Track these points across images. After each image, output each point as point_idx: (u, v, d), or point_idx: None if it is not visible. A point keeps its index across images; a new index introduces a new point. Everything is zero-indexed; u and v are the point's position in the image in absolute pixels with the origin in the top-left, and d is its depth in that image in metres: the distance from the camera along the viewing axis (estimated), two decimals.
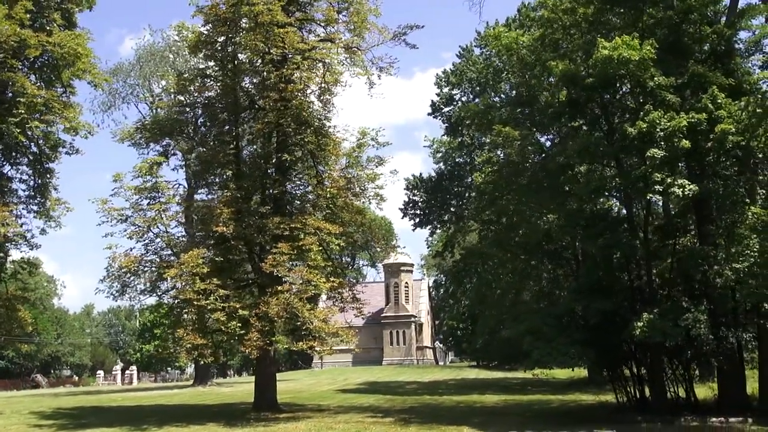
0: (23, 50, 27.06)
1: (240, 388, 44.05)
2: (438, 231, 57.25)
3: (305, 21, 29.07)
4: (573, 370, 47.04)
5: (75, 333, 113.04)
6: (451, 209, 49.64)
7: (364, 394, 38.94)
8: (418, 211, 50.64)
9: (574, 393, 36.65)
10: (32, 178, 31.21)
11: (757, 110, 18.93)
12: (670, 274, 25.13)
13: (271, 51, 25.94)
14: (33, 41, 26.73)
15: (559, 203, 25.07)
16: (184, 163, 29.25)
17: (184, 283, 23.62)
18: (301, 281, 24.84)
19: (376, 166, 30.30)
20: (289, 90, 25.75)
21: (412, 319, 75.78)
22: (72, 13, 31.31)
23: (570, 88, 24.16)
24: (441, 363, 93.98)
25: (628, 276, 25.86)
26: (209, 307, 23.40)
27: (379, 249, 32.34)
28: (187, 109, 29.68)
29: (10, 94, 28.41)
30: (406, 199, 50.66)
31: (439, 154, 49.33)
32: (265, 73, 27.51)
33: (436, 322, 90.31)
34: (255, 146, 30.34)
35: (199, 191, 32.91)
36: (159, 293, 25.86)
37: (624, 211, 27.44)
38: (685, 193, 21.14)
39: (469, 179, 43.15)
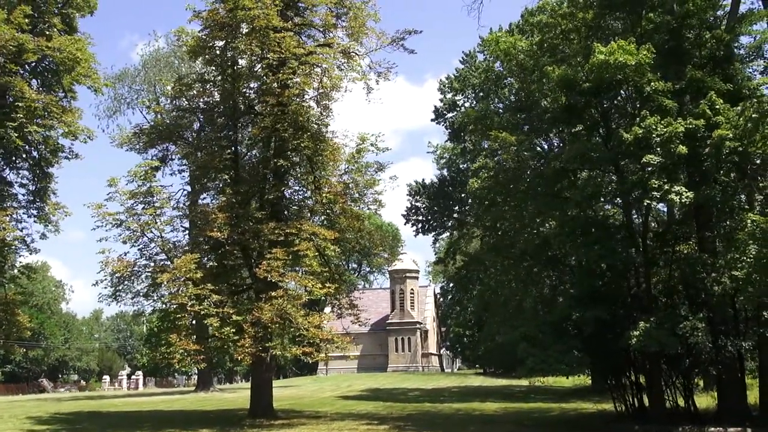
0: (22, 55, 27.13)
1: (242, 394, 43.88)
2: (442, 237, 57.03)
3: (304, 26, 29.00)
4: (579, 377, 46.58)
5: (83, 338, 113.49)
6: (454, 216, 49.40)
7: (365, 401, 38.68)
8: (420, 217, 50.45)
9: (576, 401, 36.29)
10: (32, 182, 31.26)
11: (754, 115, 18.60)
12: (668, 282, 24.80)
13: (268, 56, 25.86)
14: (31, 46, 26.82)
15: (556, 210, 24.78)
16: (187, 167, 29.11)
17: (176, 288, 23.55)
18: (294, 287, 24.69)
19: (376, 172, 30.21)
20: (285, 95, 25.67)
21: (418, 325, 75.46)
22: (72, 18, 31.46)
23: (567, 94, 23.93)
24: (448, 370, 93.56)
25: (626, 283, 25.54)
26: (203, 313, 23.31)
27: (377, 255, 32.06)
28: (186, 114, 29.63)
29: (10, 99, 28.45)
30: (409, 205, 50.53)
31: (443, 160, 49.15)
32: (264, 78, 27.47)
33: (443, 329, 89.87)
34: (253, 151, 30.29)
35: (203, 196, 32.95)
36: (153, 298, 25.76)
37: (624, 219, 27.11)
38: (682, 200, 20.85)
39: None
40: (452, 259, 50.09)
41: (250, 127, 29.03)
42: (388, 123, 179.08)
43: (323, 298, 30.43)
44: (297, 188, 30.39)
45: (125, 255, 25.40)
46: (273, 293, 24.05)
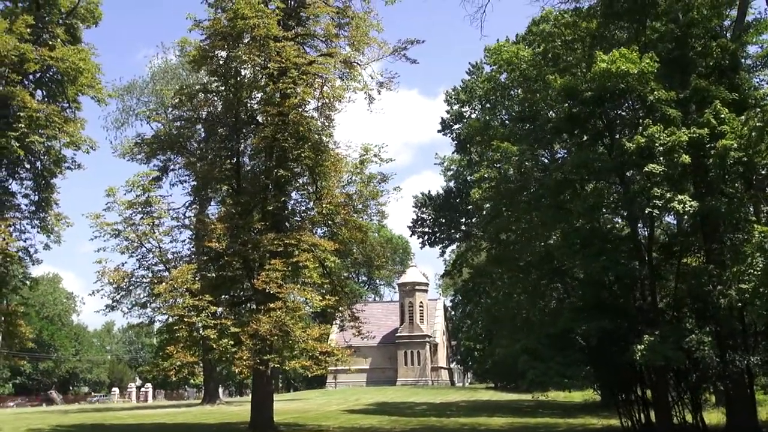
0: (24, 64, 27.17)
1: (248, 407, 43.47)
2: (449, 250, 56.57)
3: (306, 36, 28.87)
4: (589, 391, 45.87)
5: (94, 350, 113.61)
6: (462, 228, 48.99)
7: (371, 415, 38.20)
8: (426, 229, 50.08)
9: (584, 416, 35.65)
10: (35, 192, 31.23)
11: (758, 124, 18.16)
12: (674, 295, 24.30)
13: (269, 65, 25.72)
14: (33, 55, 26.86)
15: (560, 221, 24.37)
16: (189, 177, 28.96)
17: (172, 299, 23.33)
18: (293, 299, 24.37)
19: (379, 183, 29.94)
20: (286, 104, 25.49)
21: (427, 339, 74.84)
22: (77, 29, 31.51)
23: (570, 103, 23.59)
24: (459, 384, 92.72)
25: (631, 296, 25.04)
26: (200, 324, 23.06)
27: (381, 267, 31.69)
28: (188, 124, 29.51)
29: (12, 109, 28.45)
30: (415, 217, 50.16)
31: (450, 172, 48.82)
32: (266, 88, 27.34)
33: (453, 343, 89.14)
34: (256, 161, 30.12)
35: (209, 207, 32.83)
36: (151, 309, 25.51)
37: (630, 230, 26.62)
38: (686, 209, 20.41)
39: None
40: (459, 271, 49.61)
41: (252, 137, 28.86)
42: (400, 136, 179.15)
43: (324, 310, 30.09)
44: (299, 199, 30.11)
45: (123, 265, 25.25)
46: (272, 305, 23.74)
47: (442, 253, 55.80)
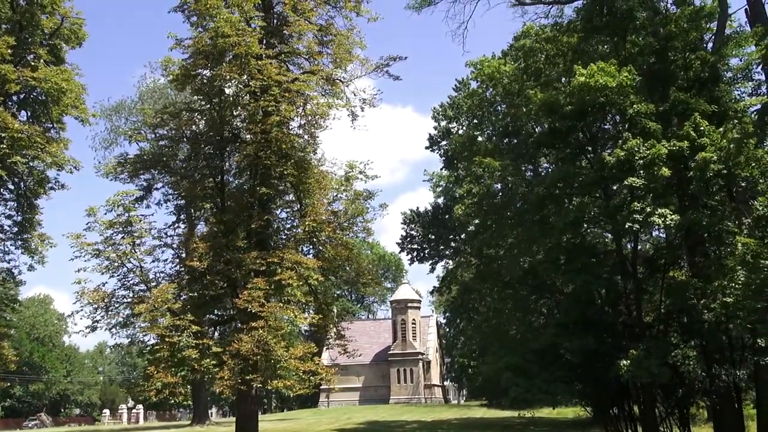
0: (5, 85, 27.05)
1: None
2: (440, 265, 56.26)
3: (289, 54, 28.79)
4: (580, 408, 45.57)
5: (87, 371, 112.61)
6: (451, 244, 48.80)
7: None
8: (415, 246, 49.90)
9: None
10: (18, 213, 31.02)
11: (736, 135, 18.11)
12: (659, 309, 24.15)
13: (251, 83, 25.63)
14: (14, 76, 26.74)
15: (543, 236, 24.26)
16: (172, 196, 28.74)
17: (152, 319, 23.05)
18: (277, 317, 24.07)
19: (365, 200, 29.77)
20: (268, 122, 25.37)
21: (420, 356, 74.32)
22: (60, 49, 31.40)
23: (551, 117, 23.57)
24: (454, 402, 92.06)
25: (615, 311, 24.89)
26: (181, 344, 22.76)
27: (366, 284, 31.34)
28: (172, 143, 29.34)
29: None
30: (404, 234, 49.99)
31: (439, 188, 48.72)
32: (248, 106, 27.24)
33: (447, 360, 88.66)
34: (240, 180, 29.95)
35: (198, 225, 32.55)
36: (132, 329, 25.18)
37: (615, 245, 26.49)
38: (667, 222, 20.34)
39: None
40: (448, 288, 49.34)
41: (237, 155, 28.71)
42: (396, 153, 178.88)
43: (312, 328, 29.81)
44: (284, 217, 29.90)
45: (103, 285, 24.92)
46: (254, 324, 23.46)
47: (432, 270, 55.64)
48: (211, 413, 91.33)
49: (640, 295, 24.21)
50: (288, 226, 30.51)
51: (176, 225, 28.94)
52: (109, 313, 24.45)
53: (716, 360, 22.93)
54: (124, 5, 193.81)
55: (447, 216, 47.84)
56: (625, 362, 20.98)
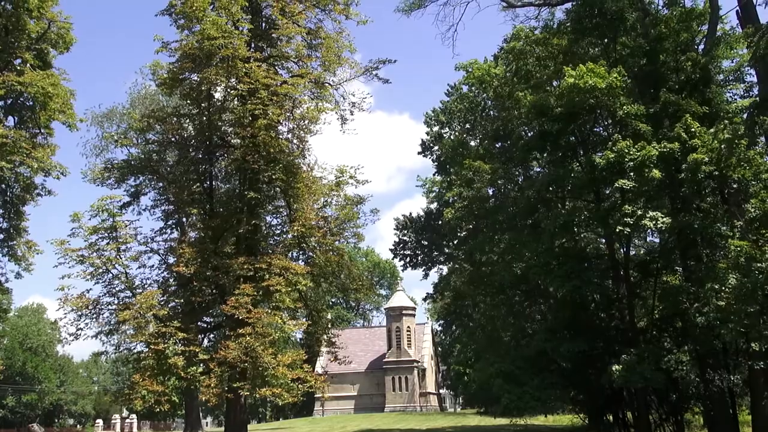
0: None
1: None
2: (434, 271, 55.76)
3: (278, 58, 28.54)
4: (576, 414, 45.15)
5: (80, 381, 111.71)
6: (445, 250, 48.45)
7: None
8: (407, 252, 49.56)
9: None
10: (5, 220, 30.63)
11: (727, 136, 17.83)
12: (652, 313, 23.83)
13: (238, 86, 25.36)
14: None
15: (533, 240, 23.94)
16: (160, 201, 28.41)
17: (138, 326, 22.70)
18: (265, 323, 23.68)
19: (356, 205, 29.45)
20: (255, 126, 25.08)
21: (415, 364, 73.81)
22: (47, 54, 31.08)
23: (541, 120, 23.30)
24: (450, 410, 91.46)
25: (607, 315, 24.57)
26: (167, 351, 22.40)
27: (357, 291, 30.93)
28: (160, 148, 29.05)
29: None
30: (397, 239, 49.66)
31: (432, 194, 48.41)
32: (235, 110, 26.96)
33: (443, 368, 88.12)
34: (228, 185, 29.66)
35: (190, 232, 32.20)
36: (117, 336, 24.79)
37: (610, 248, 26.16)
38: (658, 225, 20.04)
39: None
40: (441, 295, 48.96)
41: (225, 160, 28.44)
42: (393, 160, 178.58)
43: (305, 336, 29.41)
44: (274, 222, 29.60)
45: (88, 292, 24.56)
46: (241, 330, 23.09)
47: (426, 276, 55.23)
48: (207, 422, 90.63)
49: (633, 300, 23.87)
50: (278, 231, 30.26)
51: (164, 231, 28.66)
52: (94, 320, 24.12)
53: (710, 365, 22.63)
54: (124, 12, 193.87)
55: (439, 222, 47.47)
56: (617, 367, 20.66)
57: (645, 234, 25.36)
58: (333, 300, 78.98)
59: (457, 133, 44.13)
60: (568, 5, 26.85)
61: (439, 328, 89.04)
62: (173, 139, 28.54)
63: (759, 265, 18.42)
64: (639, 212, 20.03)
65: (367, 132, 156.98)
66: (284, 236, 29.22)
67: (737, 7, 25.44)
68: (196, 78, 27.39)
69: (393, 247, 50.11)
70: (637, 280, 24.52)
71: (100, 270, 24.29)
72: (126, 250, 24.99)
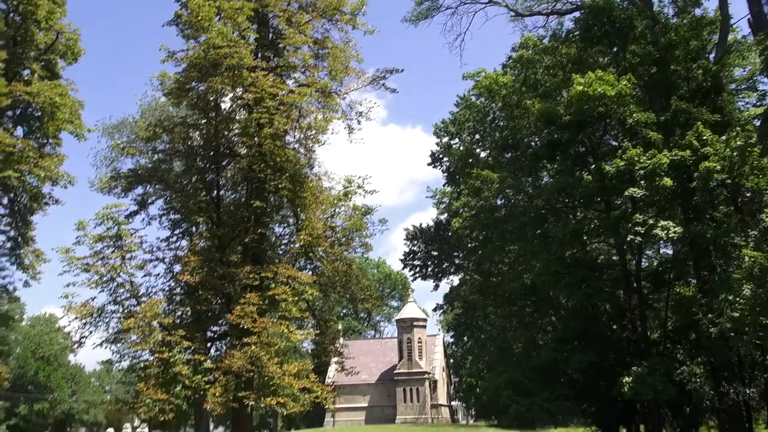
0: None
1: None
2: (445, 282, 55.28)
3: (285, 68, 28.43)
4: (593, 426, 44.62)
5: (93, 390, 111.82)
6: (455, 261, 48.05)
7: None
8: (418, 262, 49.22)
9: None
10: (13, 228, 30.65)
11: (739, 142, 17.46)
12: (664, 325, 23.40)
13: (244, 95, 25.25)
14: (3, 90, 26.42)
15: (543, 249, 23.61)
16: (167, 211, 28.33)
17: (142, 335, 22.49)
18: (268, 333, 23.42)
19: (363, 215, 29.23)
20: (261, 135, 24.95)
21: (426, 375, 73.15)
22: (55, 65, 31.12)
23: (550, 128, 23.02)
24: (463, 422, 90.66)
25: (618, 326, 24.16)
26: (172, 360, 22.17)
27: (364, 301, 30.63)
28: (167, 157, 28.98)
29: None
30: (407, 250, 49.35)
31: (443, 205, 48.14)
32: (240, 119, 26.87)
33: (455, 380, 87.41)
34: (235, 194, 29.52)
35: (199, 242, 32.08)
36: (122, 344, 24.57)
37: (621, 258, 25.76)
38: (670, 235, 19.67)
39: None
40: (451, 305, 48.57)
41: (232, 169, 28.33)
42: (406, 173, 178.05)
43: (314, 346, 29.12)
44: (281, 232, 29.41)
45: (93, 300, 24.39)
46: (246, 339, 22.85)
47: (436, 287, 54.77)
48: None
49: (645, 311, 23.45)
50: (284, 241, 30.05)
51: (171, 239, 28.53)
52: (99, 328, 23.94)
53: (725, 377, 22.18)
54: (136, 23, 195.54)
55: (449, 232, 47.12)
56: (627, 379, 20.26)
57: (657, 244, 24.94)
58: (344, 311, 78.64)
59: (466, 144, 43.86)
60: (577, 14, 26.63)
61: (451, 339, 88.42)
62: (180, 149, 28.46)
63: None
64: (650, 221, 19.67)
65: (380, 145, 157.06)
66: (291, 245, 29.02)
67: (749, 15, 25.11)
68: (202, 87, 27.36)
69: (403, 258, 49.79)
70: (650, 290, 24.14)
71: (105, 278, 24.13)
72: (131, 258, 24.82)
